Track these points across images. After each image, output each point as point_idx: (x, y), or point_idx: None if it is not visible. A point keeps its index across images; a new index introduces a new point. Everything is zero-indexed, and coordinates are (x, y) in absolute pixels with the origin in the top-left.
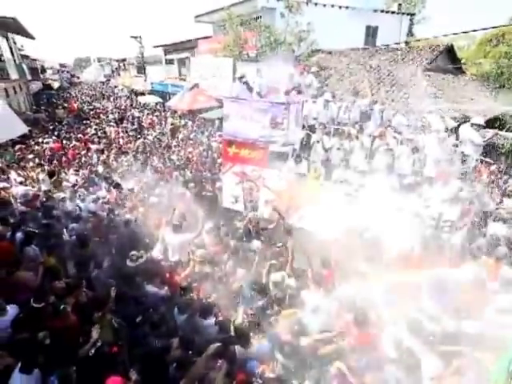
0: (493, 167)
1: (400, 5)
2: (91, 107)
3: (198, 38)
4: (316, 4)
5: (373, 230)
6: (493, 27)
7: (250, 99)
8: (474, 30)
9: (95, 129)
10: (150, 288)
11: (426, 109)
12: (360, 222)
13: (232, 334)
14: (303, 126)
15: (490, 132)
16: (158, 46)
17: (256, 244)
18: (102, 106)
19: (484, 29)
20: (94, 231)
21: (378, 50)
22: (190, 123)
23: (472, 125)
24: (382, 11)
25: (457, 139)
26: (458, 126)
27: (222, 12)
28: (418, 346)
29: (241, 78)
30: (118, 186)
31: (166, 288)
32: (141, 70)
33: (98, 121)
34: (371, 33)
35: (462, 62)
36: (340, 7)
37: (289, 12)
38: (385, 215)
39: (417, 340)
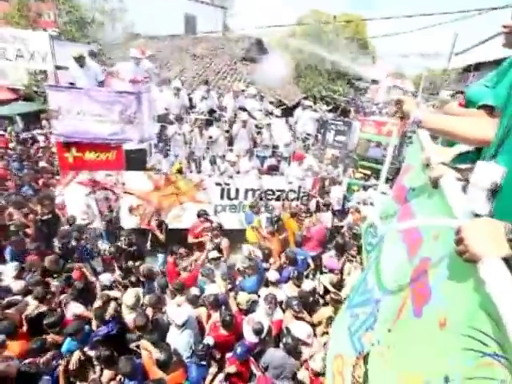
0: None
1: None
2: None
3: None
4: None
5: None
6: (282, 25)
7: (90, 88)
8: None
9: None
10: None
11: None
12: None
13: None
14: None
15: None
16: None
17: None
18: None
19: (278, 26)
20: None
21: (198, 38)
22: None
23: (304, 107)
24: (198, 1)
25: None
26: (286, 109)
27: None
28: None
29: (79, 59)
30: None
31: None
32: None
33: None
34: (190, 21)
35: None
36: None
37: None
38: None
39: None
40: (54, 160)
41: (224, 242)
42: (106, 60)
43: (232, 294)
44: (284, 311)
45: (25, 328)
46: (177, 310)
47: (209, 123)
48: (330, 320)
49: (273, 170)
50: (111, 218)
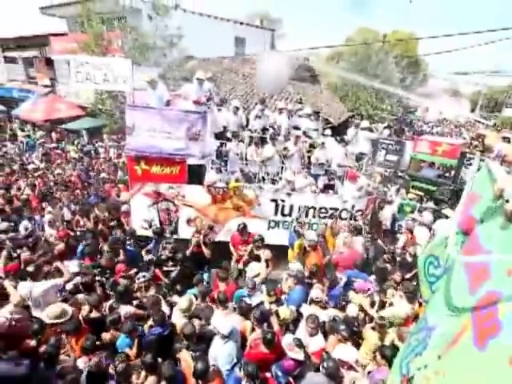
0: None
1: (262, 21)
2: None
3: (51, 34)
4: (185, 10)
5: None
6: (330, 46)
7: (163, 108)
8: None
9: None
10: None
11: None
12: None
13: None
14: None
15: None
16: None
17: None
18: None
19: (328, 46)
20: None
21: (247, 59)
22: (54, 135)
23: (360, 127)
24: (248, 24)
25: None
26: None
27: (78, 6)
28: None
29: (151, 82)
30: None
31: None
32: None
33: None
34: (240, 43)
35: (316, 73)
36: (209, 16)
37: (156, 15)
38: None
39: None
40: (114, 171)
41: (266, 254)
42: (166, 81)
43: (274, 309)
44: (326, 335)
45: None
46: (223, 319)
47: (263, 141)
48: (379, 349)
49: (328, 188)
50: (171, 228)
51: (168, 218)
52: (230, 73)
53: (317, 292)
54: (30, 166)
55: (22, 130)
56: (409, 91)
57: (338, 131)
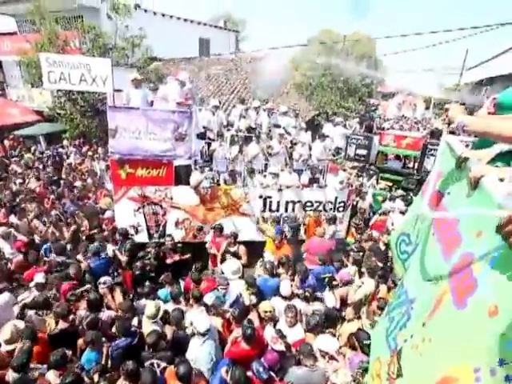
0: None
1: (225, 22)
2: None
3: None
4: (146, 11)
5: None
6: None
7: (147, 108)
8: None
9: None
10: None
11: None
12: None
13: None
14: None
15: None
16: None
17: None
18: None
19: (289, 46)
20: None
21: (212, 60)
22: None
23: (336, 123)
24: (211, 25)
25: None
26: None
27: (29, 4)
28: None
29: (134, 82)
30: None
31: None
32: None
33: None
34: (204, 44)
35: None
36: (171, 17)
37: (116, 14)
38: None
39: None
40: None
41: (241, 249)
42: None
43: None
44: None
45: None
46: (199, 317)
47: (247, 140)
48: (352, 335)
49: (313, 182)
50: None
51: (155, 221)
52: (195, 73)
53: (286, 288)
54: None
55: None
56: (369, 90)
57: (306, 129)
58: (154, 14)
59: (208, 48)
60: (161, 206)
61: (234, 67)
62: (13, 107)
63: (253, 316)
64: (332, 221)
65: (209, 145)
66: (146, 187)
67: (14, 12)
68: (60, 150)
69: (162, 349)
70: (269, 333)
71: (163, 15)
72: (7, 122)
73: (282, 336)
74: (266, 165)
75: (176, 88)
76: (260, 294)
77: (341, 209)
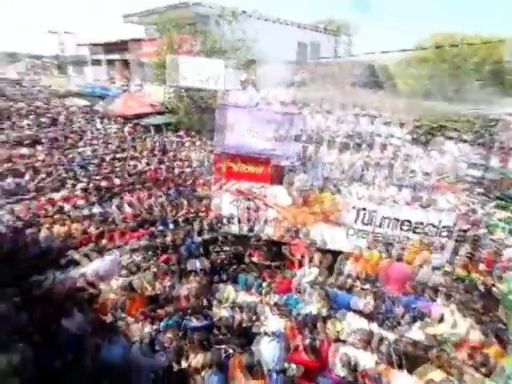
0: None
1: (325, 28)
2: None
3: (135, 40)
4: (250, 16)
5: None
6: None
7: (253, 108)
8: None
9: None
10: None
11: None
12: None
13: None
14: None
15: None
16: (83, 45)
17: None
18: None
19: (402, 50)
20: None
21: (309, 64)
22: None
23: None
24: (312, 29)
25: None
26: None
27: (155, 15)
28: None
29: (244, 82)
30: None
31: None
32: (63, 69)
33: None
34: (302, 49)
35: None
36: (274, 22)
37: (223, 20)
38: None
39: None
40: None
41: (316, 258)
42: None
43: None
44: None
45: None
46: (272, 318)
47: (346, 146)
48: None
49: (415, 200)
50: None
51: (247, 216)
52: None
53: (365, 305)
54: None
55: (101, 123)
56: (490, 101)
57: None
58: (258, 19)
59: (305, 52)
60: (254, 202)
61: (338, 72)
62: (133, 101)
63: (320, 328)
64: (439, 248)
65: (305, 148)
66: (242, 182)
67: (142, 22)
68: (173, 138)
69: (235, 335)
70: (336, 351)
71: (266, 20)
72: (128, 112)
73: (349, 362)
74: (363, 175)
75: (283, 90)
76: (332, 307)
77: (444, 233)
